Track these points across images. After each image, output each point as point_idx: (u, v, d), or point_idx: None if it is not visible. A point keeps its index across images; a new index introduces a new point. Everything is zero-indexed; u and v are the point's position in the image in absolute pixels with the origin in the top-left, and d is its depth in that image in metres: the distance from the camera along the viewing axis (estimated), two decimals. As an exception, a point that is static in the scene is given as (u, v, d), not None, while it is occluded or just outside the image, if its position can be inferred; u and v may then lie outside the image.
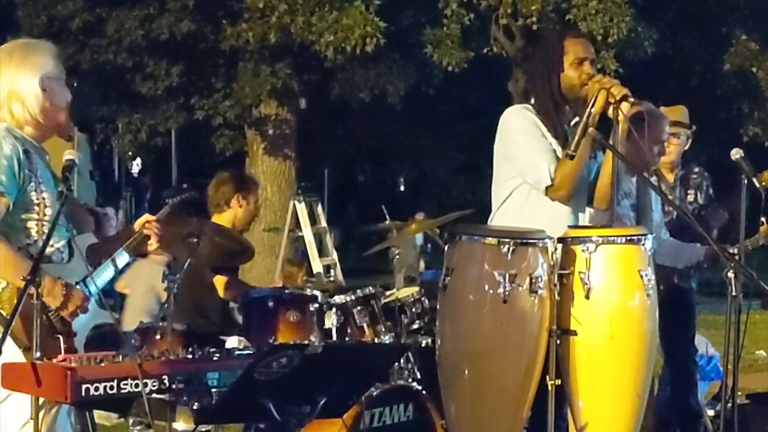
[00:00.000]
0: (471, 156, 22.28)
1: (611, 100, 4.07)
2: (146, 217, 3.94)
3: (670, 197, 5.76)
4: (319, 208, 14.09)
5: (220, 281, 5.46)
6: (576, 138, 4.04)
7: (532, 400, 4.03)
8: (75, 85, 3.84)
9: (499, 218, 4.36)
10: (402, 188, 29.62)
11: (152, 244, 3.87)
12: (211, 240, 4.86)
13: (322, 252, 12.33)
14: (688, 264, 5.55)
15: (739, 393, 5.11)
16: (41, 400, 3.32)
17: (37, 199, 3.54)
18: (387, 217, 5.97)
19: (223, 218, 5.55)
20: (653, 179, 5.52)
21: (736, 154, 4.76)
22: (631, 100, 4.07)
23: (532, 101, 4.33)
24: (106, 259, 3.76)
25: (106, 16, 13.80)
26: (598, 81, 4.13)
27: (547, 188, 4.19)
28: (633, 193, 5.18)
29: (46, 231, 3.53)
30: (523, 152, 4.25)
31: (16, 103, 3.58)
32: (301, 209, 13.61)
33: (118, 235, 4.10)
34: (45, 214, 3.55)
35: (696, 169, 6.14)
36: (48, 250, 3.47)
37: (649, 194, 5.18)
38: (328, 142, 21.36)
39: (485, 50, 14.45)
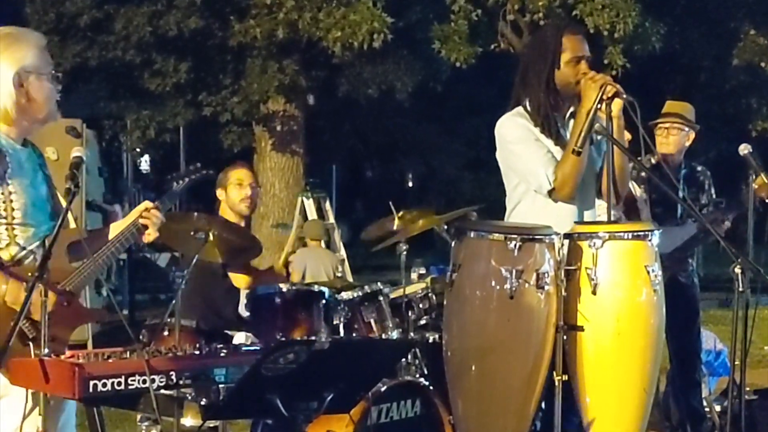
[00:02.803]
0: (479, 152, 22.22)
1: (604, 96, 4.07)
2: (145, 204, 3.65)
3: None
4: (327, 204, 14.10)
5: (241, 278, 5.45)
6: (582, 135, 4.04)
7: (539, 395, 4.03)
8: (59, 76, 3.58)
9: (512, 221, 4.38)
10: (410, 184, 29.59)
11: (149, 234, 3.62)
12: (218, 236, 4.86)
13: (330, 248, 12.34)
14: (683, 240, 5.55)
15: (747, 389, 5.10)
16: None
17: (5, 203, 3.42)
18: (394, 213, 5.97)
19: (225, 212, 5.55)
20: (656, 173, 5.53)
21: (744, 149, 4.77)
22: (624, 96, 4.07)
23: (526, 103, 4.32)
24: (92, 256, 3.50)
25: (114, 12, 13.82)
26: (591, 78, 4.14)
27: (549, 191, 4.21)
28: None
29: (17, 233, 3.43)
30: (520, 161, 4.28)
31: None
32: (309, 205, 13.63)
33: (102, 231, 3.78)
34: (14, 218, 3.42)
35: (699, 168, 6.15)
36: (22, 253, 3.41)
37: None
38: (336, 139, 21.34)
39: (493, 46, 14.43)
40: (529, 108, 4.30)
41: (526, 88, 4.34)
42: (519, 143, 4.28)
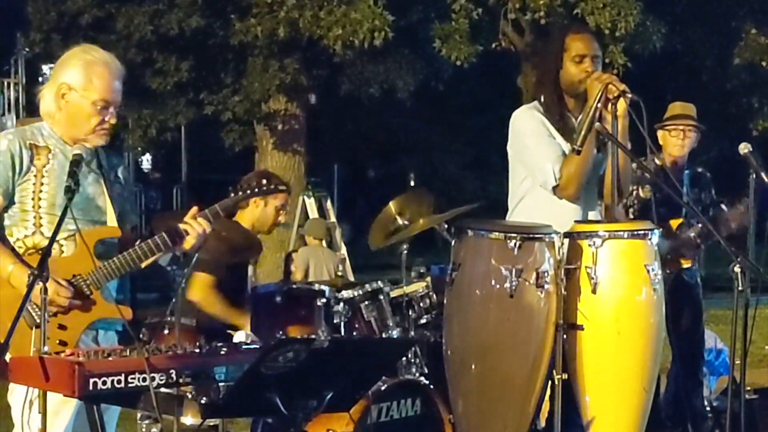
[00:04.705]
0: (481, 151, 22.24)
1: (609, 96, 4.08)
2: (194, 210, 3.73)
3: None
4: (329, 203, 14.10)
5: (201, 280, 5.32)
6: (582, 133, 4.05)
7: (539, 394, 4.03)
8: (108, 110, 3.67)
9: (515, 218, 4.38)
10: (412, 183, 29.56)
11: (188, 241, 3.65)
12: (217, 234, 4.84)
13: (331, 247, 12.34)
14: None
15: (748, 388, 5.09)
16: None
17: (33, 192, 3.59)
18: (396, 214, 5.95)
19: (243, 217, 5.43)
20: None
21: (744, 148, 4.76)
22: (629, 96, 4.08)
23: (542, 98, 4.34)
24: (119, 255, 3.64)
25: (116, 12, 13.82)
26: (597, 78, 4.15)
27: (554, 188, 4.21)
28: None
29: (43, 223, 3.59)
30: (530, 154, 4.29)
31: (46, 97, 3.70)
32: (311, 204, 13.63)
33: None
34: (40, 207, 3.60)
35: (700, 170, 6.17)
36: (45, 243, 3.48)
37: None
38: (337, 138, 21.33)
39: (494, 45, 14.44)
40: (543, 108, 4.34)
41: (541, 89, 4.40)
42: (531, 136, 4.30)
